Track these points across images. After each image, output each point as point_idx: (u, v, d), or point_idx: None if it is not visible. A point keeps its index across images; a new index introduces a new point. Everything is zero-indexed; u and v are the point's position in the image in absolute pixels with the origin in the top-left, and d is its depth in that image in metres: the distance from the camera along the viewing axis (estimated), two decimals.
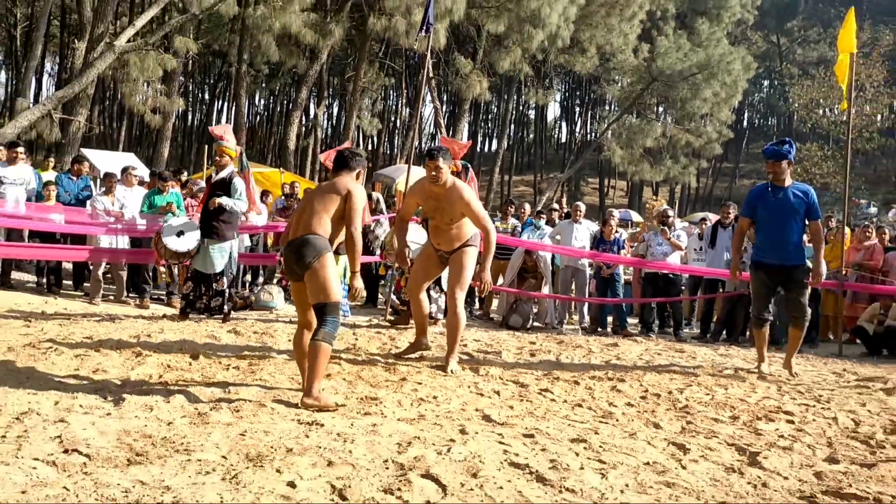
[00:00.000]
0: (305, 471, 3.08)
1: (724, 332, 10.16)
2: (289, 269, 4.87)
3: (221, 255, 8.08)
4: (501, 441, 3.76)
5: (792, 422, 4.73)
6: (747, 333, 10.29)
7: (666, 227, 10.12)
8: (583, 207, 11.11)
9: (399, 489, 2.93)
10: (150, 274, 9.91)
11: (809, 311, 6.57)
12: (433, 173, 5.80)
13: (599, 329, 10.21)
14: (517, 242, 10.52)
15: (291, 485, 2.89)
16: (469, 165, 8.03)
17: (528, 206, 11.81)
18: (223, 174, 8.11)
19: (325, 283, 4.60)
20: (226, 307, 8.16)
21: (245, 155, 9.29)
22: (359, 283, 4.80)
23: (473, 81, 23.58)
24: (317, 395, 4.37)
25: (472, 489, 2.99)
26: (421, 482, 3.02)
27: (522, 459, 3.45)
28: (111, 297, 9.62)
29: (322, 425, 3.83)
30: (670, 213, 10.41)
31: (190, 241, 8.19)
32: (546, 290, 10.45)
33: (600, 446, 3.81)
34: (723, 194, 49.88)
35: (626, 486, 3.21)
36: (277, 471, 3.04)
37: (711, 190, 53.81)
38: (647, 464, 3.56)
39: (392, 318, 9.24)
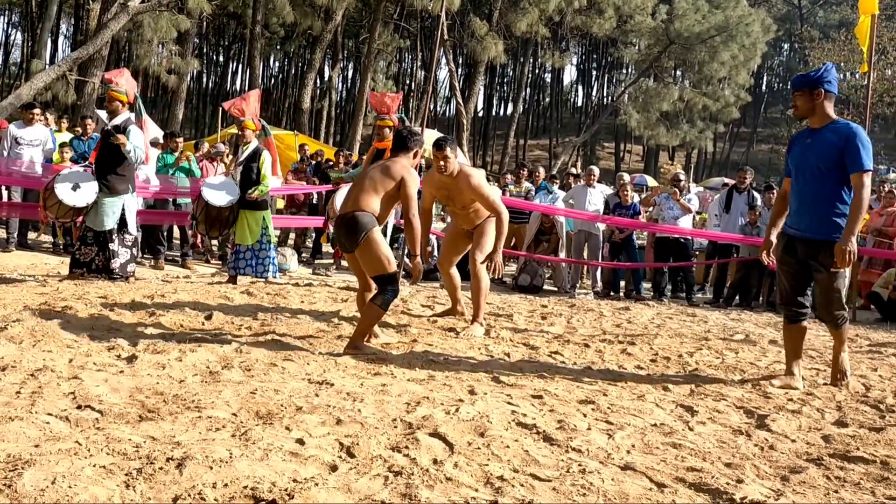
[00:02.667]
0: (315, 428, 3.10)
1: (738, 297, 10.13)
2: (339, 242, 5.15)
3: (113, 212, 7.38)
4: (510, 402, 3.78)
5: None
6: (760, 298, 10.28)
7: (676, 190, 10.03)
8: (596, 171, 11.04)
9: (407, 447, 2.95)
10: (164, 235, 9.95)
11: (844, 307, 4.67)
12: (441, 163, 5.74)
13: (612, 293, 10.20)
14: (530, 206, 10.49)
15: (300, 441, 2.92)
16: (405, 119, 7.92)
17: (541, 170, 11.75)
18: (117, 121, 7.40)
19: (379, 258, 4.90)
20: (129, 268, 7.53)
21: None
22: (419, 263, 5.14)
23: (489, 44, 23.30)
24: (361, 346, 4.86)
25: (478, 448, 3.01)
26: (428, 440, 3.04)
27: (530, 420, 3.47)
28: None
29: (332, 385, 3.85)
30: (682, 176, 10.32)
31: (87, 194, 7.30)
32: (562, 254, 10.43)
33: (608, 408, 3.82)
34: (740, 159, 49.48)
35: (633, 446, 3.22)
36: (287, 428, 3.07)
37: (728, 155, 53.28)
38: (655, 425, 3.57)
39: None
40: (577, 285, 10.81)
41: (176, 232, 10.93)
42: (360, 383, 3.96)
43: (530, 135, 56.43)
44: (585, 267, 11.21)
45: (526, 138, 52.91)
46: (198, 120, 43.30)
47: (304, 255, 11.64)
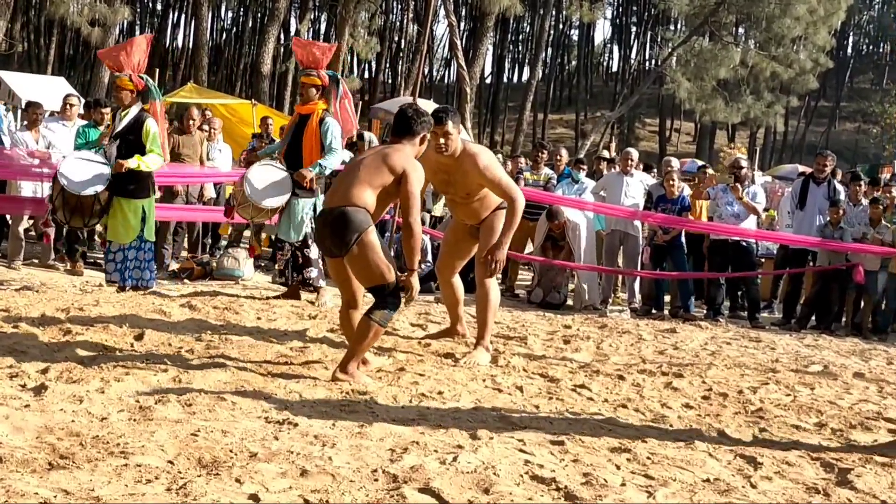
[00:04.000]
0: (273, 481, 3.10)
1: (814, 318, 10.15)
2: (321, 244, 5.26)
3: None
4: (522, 449, 3.78)
5: (895, 431, 4.74)
6: (843, 319, 10.30)
7: (738, 184, 10.05)
8: (635, 155, 11.06)
9: None
10: (82, 231, 9.94)
11: None
12: (441, 141, 5.65)
13: (654, 311, 10.22)
14: (551, 199, 10.49)
15: (254, 498, 2.92)
16: (339, 77, 7.82)
17: (564, 153, 11.77)
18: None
19: (376, 266, 4.94)
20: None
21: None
22: (415, 281, 5.14)
23: None
24: (352, 372, 4.91)
25: None
26: (418, 497, 3.05)
27: (548, 472, 3.47)
28: (35, 261, 9.67)
29: (296, 425, 3.86)
30: (744, 163, 10.34)
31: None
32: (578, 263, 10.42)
33: (648, 458, 3.82)
34: (818, 141, 49.68)
35: None
36: (237, 480, 3.07)
37: (804, 136, 53.47)
38: (707, 481, 3.58)
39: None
40: (610, 300, 10.82)
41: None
42: (331, 423, 3.96)
43: (552, 107, 56.65)
44: (620, 277, 11.23)
45: (546, 112, 53.09)
46: None
47: (262, 260, 11.64)
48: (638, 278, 10.61)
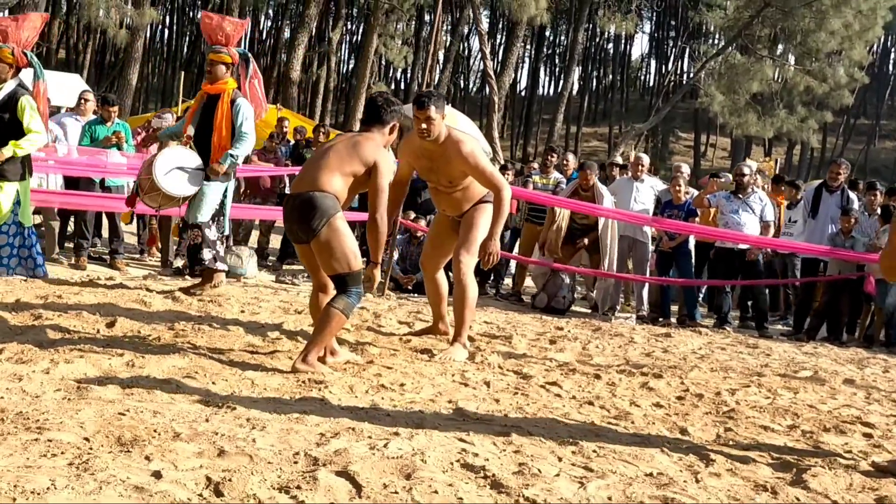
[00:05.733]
0: (185, 460, 3.01)
1: (826, 329, 9.91)
2: (289, 229, 5.15)
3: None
4: (463, 439, 3.66)
5: (870, 435, 4.57)
6: (856, 332, 10.05)
7: (741, 192, 9.85)
8: (646, 160, 10.89)
9: (298, 487, 2.84)
10: (87, 225, 9.95)
11: None
12: (423, 126, 5.58)
13: (661, 319, 10.03)
14: (560, 203, 10.34)
15: (156, 475, 2.83)
16: (250, 56, 7.46)
17: (571, 158, 11.63)
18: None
19: (342, 253, 4.86)
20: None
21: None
22: (377, 273, 5.09)
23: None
24: (312, 362, 4.80)
25: (395, 492, 2.90)
26: (331, 480, 2.94)
27: (481, 461, 3.34)
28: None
29: (234, 409, 3.76)
30: (746, 170, 10.10)
31: None
32: (605, 265, 10.23)
33: (594, 451, 3.68)
34: (856, 158, 48.90)
35: (609, 498, 3.09)
36: (146, 458, 2.98)
37: (842, 152, 52.67)
38: (650, 475, 3.44)
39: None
40: (618, 307, 10.64)
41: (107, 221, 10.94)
42: (273, 408, 3.86)
43: (587, 120, 56.36)
44: (629, 284, 11.05)
45: (579, 124, 52.80)
46: (166, 86, 43.72)
47: (271, 258, 11.60)
48: (646, 285, 10.43)
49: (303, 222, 4.90)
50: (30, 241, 7.48)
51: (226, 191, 7.40)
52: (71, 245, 9.98)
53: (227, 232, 7.58)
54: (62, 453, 2.95)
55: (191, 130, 7.46)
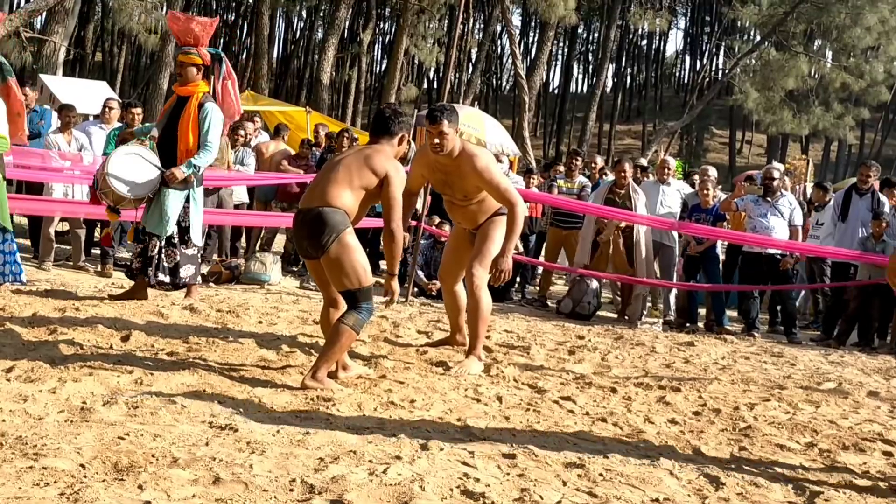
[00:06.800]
0: (179, 489, 2.98)
1: (856, 334, 9.74)
2: (298, 245, 5.11)
3: None
4: (466, 462, 3.60)
5: (890, 454, 4.46)
6: (888, 337, 9.86)
7: (769, 195, 9.68)
8: (672, 164, 10.77)
9: None
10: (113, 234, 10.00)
11: None
12: (436, 141, 5.55)
13: (688, 324, 9.90)
14: (585, 208, 10.25)
15: None
16: (223, 55, 7.25)
17: (599, 160, 11.52)
18: None
19: (352, 269, 4.83)
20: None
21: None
22: (395, 285, 5.08)
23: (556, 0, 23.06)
24: (321, 379, 4.76)
25: None
26: None
27: (482, 486, 3.29)
28: (69, 261, 9.74)
29: (236, 430, 3.73)
30: (776, 173, 9.92)
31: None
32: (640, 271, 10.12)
33: (600, 474, 3.61)
34: (895, 155, 48.15)
35: None
36: (139, 487, 2.95)
37: (880, 150, 51.95)
38: (655, 500, 3.36)
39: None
40: (645, 312, 10.52)
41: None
42: (276, 430, 3.82)
43: (621, 118, 56.05)
44: (658, 290, 10.92)
45: (612, 122, 52.49)
46: None
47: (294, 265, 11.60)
48: (674, 291, 10.31)
49: (312, 238, 4.87)
50: (10, 248, 7.17)
51: (189, 199, 7.08)
52: (97, 252, 10.04)
53: (198, 241, 7.29)
54: (55, 482, 2.93)
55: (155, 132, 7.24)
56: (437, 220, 10.62)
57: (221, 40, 47.49)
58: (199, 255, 7.37)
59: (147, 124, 7.88)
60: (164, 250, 7.01)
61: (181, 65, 7.03)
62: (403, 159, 5.41)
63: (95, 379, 4.42)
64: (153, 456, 3.28)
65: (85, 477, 3.01)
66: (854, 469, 4.09)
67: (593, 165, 11.26)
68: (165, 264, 7.01)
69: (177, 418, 3.89)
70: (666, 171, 10.57)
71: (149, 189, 6.93)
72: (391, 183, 4.95)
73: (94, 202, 7.25)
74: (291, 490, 3.08)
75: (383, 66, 49.81)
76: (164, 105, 7.34)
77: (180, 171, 6.87)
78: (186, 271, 7.13)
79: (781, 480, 3.82)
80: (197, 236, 7.25)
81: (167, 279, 7.04)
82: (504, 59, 54.68)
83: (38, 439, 3.35)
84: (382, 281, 5.20)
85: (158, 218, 6.95)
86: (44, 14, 17.64)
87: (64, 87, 16.12)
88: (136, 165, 6.90)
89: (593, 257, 10.28)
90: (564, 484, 3.47)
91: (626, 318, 9.91)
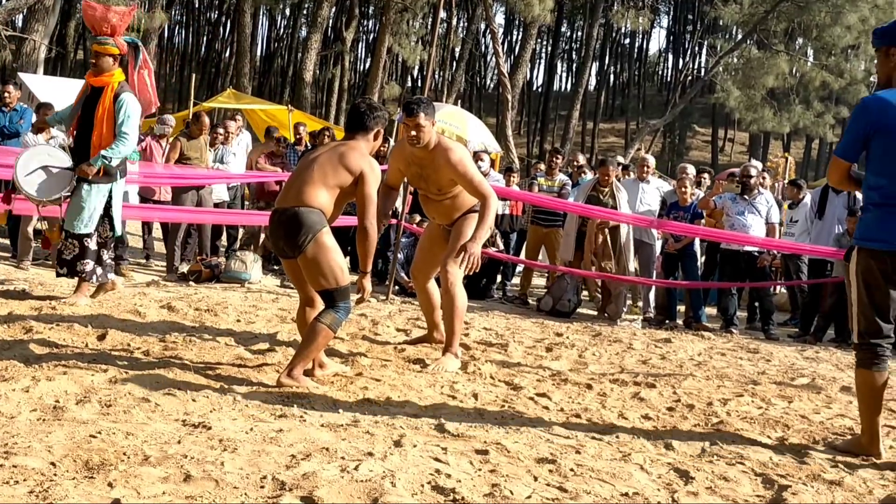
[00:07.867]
0: (149, 486, 2.98)
1: (833, 330, 9.81)
2: (275, 245, 5.11)
3: None
4: (439, 458, 3.61)
5: None
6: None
7: (746, 193, 9.74)
8: (651, 162, 10.81)
9: None
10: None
11: None
12: (413, 133, 5.59)
13: (667, 321, 9.95)
14: (565, 206, 10.27)
15: (116, 503, 2.80)
16: (140, 44, 7.14)
17: (581, 158, 11.55)
18: None
19: (329, 269, 4.84)
20: None
21: None
22: (367, 283, 5.09)
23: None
24: (297, 377, 4.76)
25: None
26: None
27: (453, 482, 3.30)
28: (47, 260, 9.69)
29: (209, 428, 3.73)
30: (753, 171, 9.98)
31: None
32: (631, 267, 10.15)
33: (571, 469, 3.63)
34: None
35: None
36: (109, 485, 2.95)
37: None
38: (625, 495, 3.38)
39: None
40: (625, 309, 10.57)
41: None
42: (249, 427, 3.83)
43: (604, 116, 56.15)
44: (636, 287, 10.97)
45: (596, 120, 52.61)
46: (181, 89, 43.77)
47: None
48: (653, 288, 10.36)
49: (288, 238, 4.86)
50: None
51: (111, 192, 6.89)
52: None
53: (118, 233, 7.13)
54: (24, 480, 2.92)
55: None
56: (417, 218, 10.63)
57: (205, 38, 47.46)
58: (108, 250, 7.13)
59: (59, 111, 7.68)
60: (65, 242, 6.83)
61: (96, 55, 6.84)
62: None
63: (70, 377, 4.41)
64: (124, 454, 3.28)
65: (55, 475, 3.01)
66: (823, 464, 4.12)
67: (575, 164, 11.26)
68: (65, 256, 6.83)
69: (150, 416, 3.89)
70: (645, 168, 10.62)
71: (62, 188, 6.73)
72: (365, 181, 4.94)
73: (5, 202, 7.14)
74: (262, 487, 3.08)
75: (367, 64, 49.81)
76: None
77: (90, 167, 6.69)
78: (84, 266, 6.85)
79: (751, 474, 3.85)
80: (115, 227, 7.04)
81: (64, 270, 6.88)
82: (487, 58, 54.79)
83: (9, 438, 3.34)
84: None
85: (75, 214, 6.74)
86: (24, 11, 17.57)
87: (44, 85, 16.01)
88: (43, 166, 6.70)
89: (577, 251, 10.30)
90: (535, 479, 3.49)
91: (607, 315, 9.95)
